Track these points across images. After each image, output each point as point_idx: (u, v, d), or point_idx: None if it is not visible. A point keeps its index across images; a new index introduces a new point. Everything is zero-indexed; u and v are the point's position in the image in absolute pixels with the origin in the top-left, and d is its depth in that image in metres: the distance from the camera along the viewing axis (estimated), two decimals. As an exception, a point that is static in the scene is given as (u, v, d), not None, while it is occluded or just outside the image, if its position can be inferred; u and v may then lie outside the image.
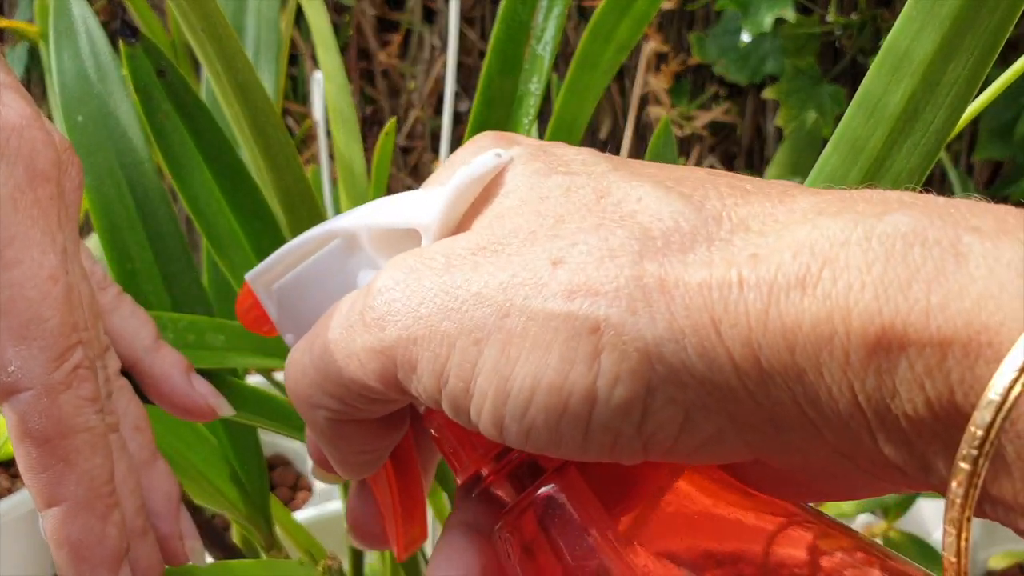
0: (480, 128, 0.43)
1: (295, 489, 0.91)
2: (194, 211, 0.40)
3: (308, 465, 0.94)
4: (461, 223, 0.24)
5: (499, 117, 0.43)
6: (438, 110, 1.44)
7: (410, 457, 0.28)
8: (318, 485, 0.89)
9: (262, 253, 0.42)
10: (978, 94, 0.29)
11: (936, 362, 0.17)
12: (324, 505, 0.72)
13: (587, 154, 0.24)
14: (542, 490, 0.23)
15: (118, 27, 0.37)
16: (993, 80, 0.37)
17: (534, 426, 0.20)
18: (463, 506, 0.26)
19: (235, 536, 0.55)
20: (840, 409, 0.18)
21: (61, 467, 0.25)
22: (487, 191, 0.24)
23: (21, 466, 0.25)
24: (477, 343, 0.21)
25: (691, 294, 0.19)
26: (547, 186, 0.23)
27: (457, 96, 1.31)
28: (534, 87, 0.43)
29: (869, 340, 0.17)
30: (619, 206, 0.21)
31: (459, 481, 0.26)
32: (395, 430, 0.26)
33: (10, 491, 0.91)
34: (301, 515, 0.66)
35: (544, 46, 0.42)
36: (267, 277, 0.27)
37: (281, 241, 0.42)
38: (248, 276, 0.27)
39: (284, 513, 0.49)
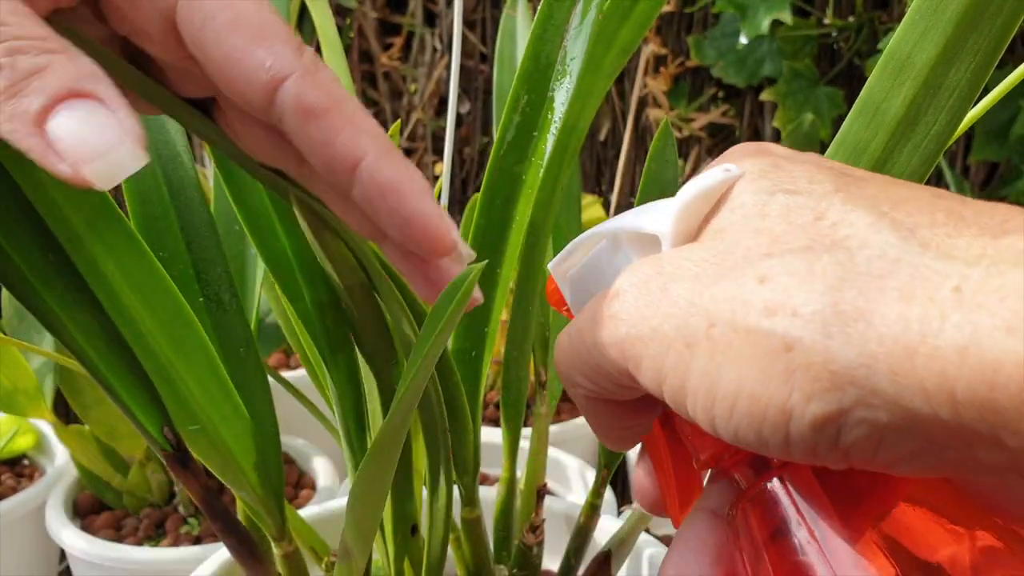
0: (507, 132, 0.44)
1: (298, 487, 0.91)
2: (236, 200, 0.42)
3: (311, 463, 0.94)
4: (695, 230, 0.26)
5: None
6: (439, 112, 1.45)
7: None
8: (320, 482, 0.89)
9: (298, 244, 0.43)
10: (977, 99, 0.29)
11: None
12: (327, 503, 0.72)
13: (814, 168, 0.25)
14: (771, 482, 0.25)
15: None
16: (993, 83, 0.38)
17: (740, 428, 0.22)
18: (707, 489, 0.27)
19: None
20: None
21: (350, 129, 0.26)
22: (719, 203, 0.25)
23: (312, 149, 0.27)
24: (689, 347, 0.23)
25: (888, 323, 0.20)
26: (770, 205, 0.24)
27: (458, 98, 1.31)
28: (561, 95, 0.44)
29: None
30: (833, 229, 0.22)
31: (696, 464, 0.28)
32: (647, 412, 0.28)
33: (15, 490, 0.91)
34: (305, 512, 0.67)
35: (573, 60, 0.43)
36: (563, 267, 0.31)
37: None
38: (550, 265, 0.31)
39: (288, 509, 0.49)
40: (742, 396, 0.21)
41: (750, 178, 0.25)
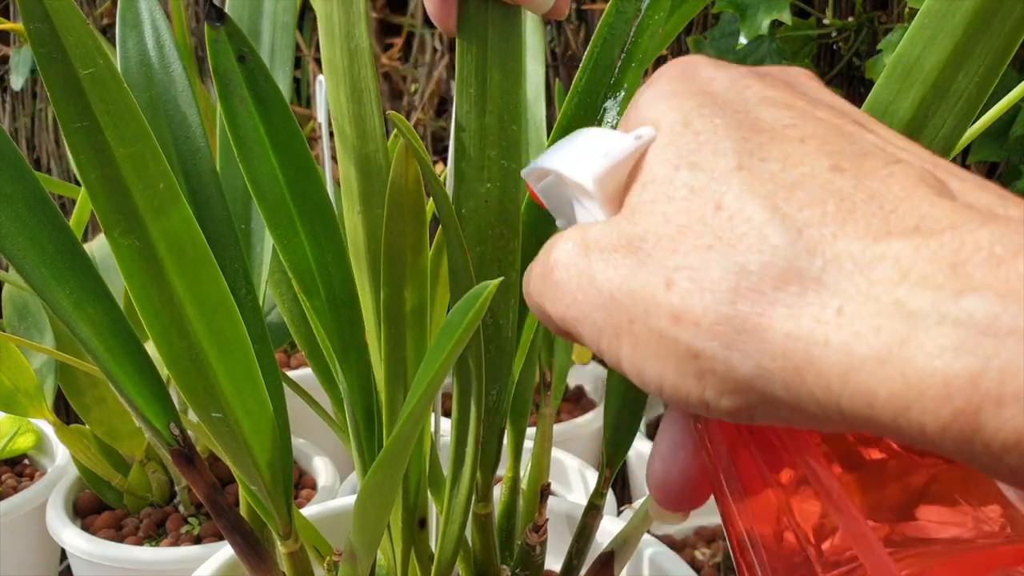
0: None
1: (299, 487, 0.92)
2: (257, 196, 0.42)
3: (311, 463, 0.94)
4: (624, 186, 0.27)
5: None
6: (439, 112, 1.45)
7: None
8: (321, 481, 0.89)
9: (316, 240, 0.43)
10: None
11: (1015, 445, 0.18)
12: (328, 503, 0.72)
13: (722, 126, 0.25)
14: None
15: (205, 11, 0.39)
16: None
17: (671, 402, 0.24)
18: None
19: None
20: (927, 444, 0.19)
21: None
22: (636, 170, 0.26)
23: None
24: (617, 337, 0.25)
25: (778, 342, 0.21)
26: (675, 184, 0.25)
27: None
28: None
29: (942, 420, 0.19)
30: (729, 224, 0.23)
31: None
32: None
33: (15, 490, 0.91)
34: (307, 511, 0.67)
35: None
36: (531, 178, 0.33)
37: (334, 231, 0.44)
38: (523, 173, 0.33)
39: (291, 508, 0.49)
40: (666, 386, 0.24)
41: (660, 144, 0.26)
